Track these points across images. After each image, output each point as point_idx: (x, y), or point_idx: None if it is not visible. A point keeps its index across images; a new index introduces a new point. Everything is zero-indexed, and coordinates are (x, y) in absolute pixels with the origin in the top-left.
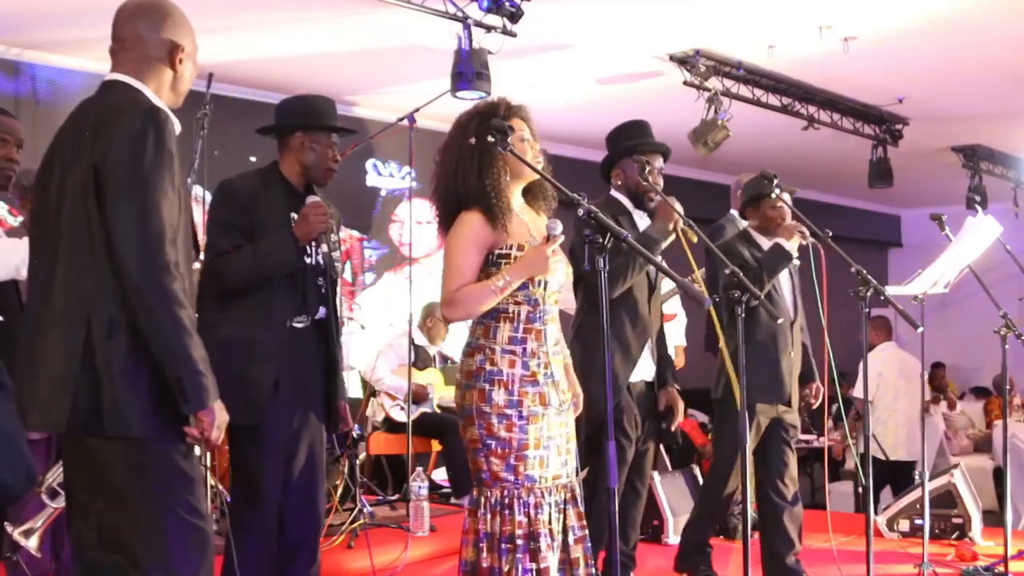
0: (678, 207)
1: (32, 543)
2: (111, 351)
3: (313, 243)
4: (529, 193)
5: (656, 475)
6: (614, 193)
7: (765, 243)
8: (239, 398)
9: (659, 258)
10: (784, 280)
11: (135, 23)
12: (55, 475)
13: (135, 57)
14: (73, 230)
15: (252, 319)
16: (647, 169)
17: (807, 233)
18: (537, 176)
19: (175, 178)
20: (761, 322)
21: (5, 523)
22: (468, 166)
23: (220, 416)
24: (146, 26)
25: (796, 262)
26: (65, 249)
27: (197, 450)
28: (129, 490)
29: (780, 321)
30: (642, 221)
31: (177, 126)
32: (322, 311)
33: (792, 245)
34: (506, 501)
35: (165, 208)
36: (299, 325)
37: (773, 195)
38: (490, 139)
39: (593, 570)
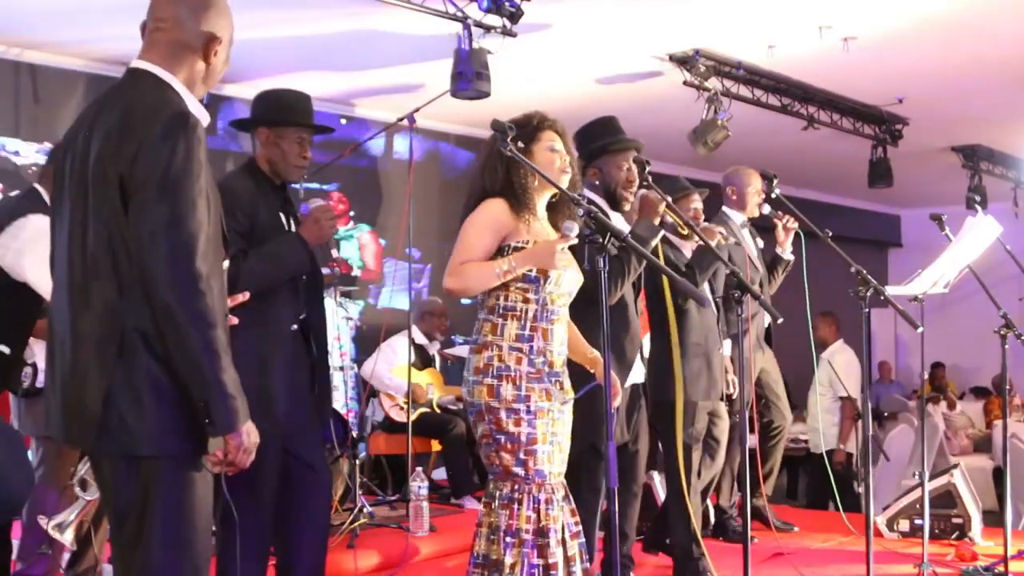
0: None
1: (67, 536)
2: (143, 368)
3: None
4: (552, 209)
5: (656, 475)
6: (587, 193)
7: (683, 244)
8: (256, 405)
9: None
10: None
11: (177, 5)
12: (86, 466)
13: (169, 40)
14: (105, 239)
15: (261, 324)
16: (646, 169)
17: (726, 233)
18: (558, 192)
19: (204, 187)
20: (694, 322)
21: (40, 517)
22: (497, 164)
23: (248, 439)
24: (188, 11)
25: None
26: (100, 257)
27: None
28: (137, 510)
29: (780, 321)
30: (617, 223)
31: (204, 119)
32: (306, 312)
33: (712, 245)
34: (516, 496)
35: (193, 221)
36: (295, 327)
37: (774, 195)
38: (521, 144)
39: (588, 565)
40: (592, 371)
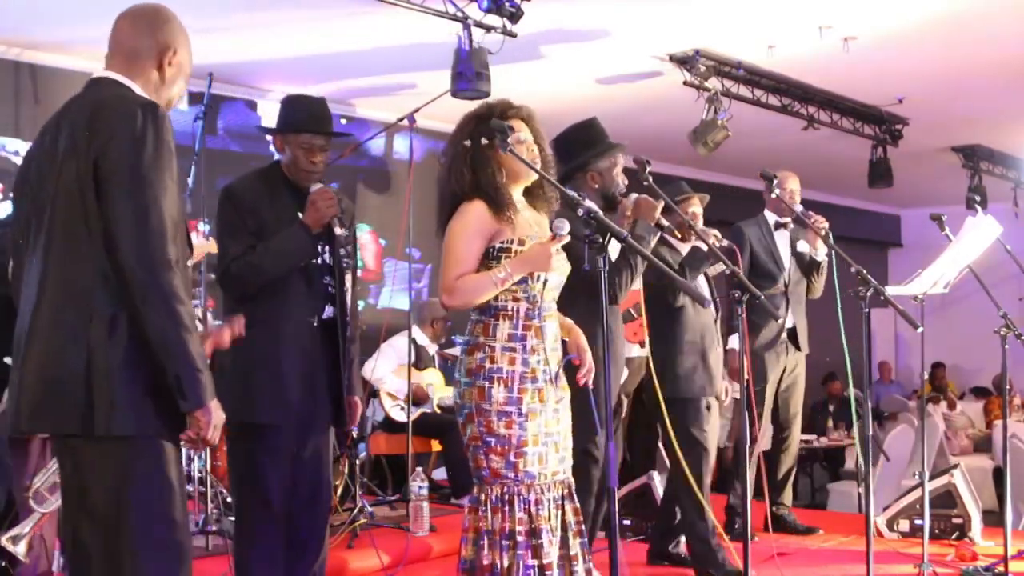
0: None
1: (20, 549)
2: (112, 350)
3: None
4: (530, 194)
5: (656, 475)
6: (590, 204)
7: (680, 246)
8: (269, 398)
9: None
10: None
11: (132, 23)
12: (43, 480)
13: (125, 53)
14: (69, 226)
15: (274, 320)
16: (647, 168)
17: (720, 235)
18: (536, 178)
19: (175, 174)
20: (690, 321)
21: None
22: (462, 166)
23: (216, 415)
24: (142, 27)
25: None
26: (60, 245)
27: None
28: (112, 495)
29: (780, 321)
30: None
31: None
32: (328, 310)
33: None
34: (506, 498)
35: (166, 204)
36: (316, 323)
37: (774, 195)
38: (484, 141)
39: (591, 565)
40: (566, 340)
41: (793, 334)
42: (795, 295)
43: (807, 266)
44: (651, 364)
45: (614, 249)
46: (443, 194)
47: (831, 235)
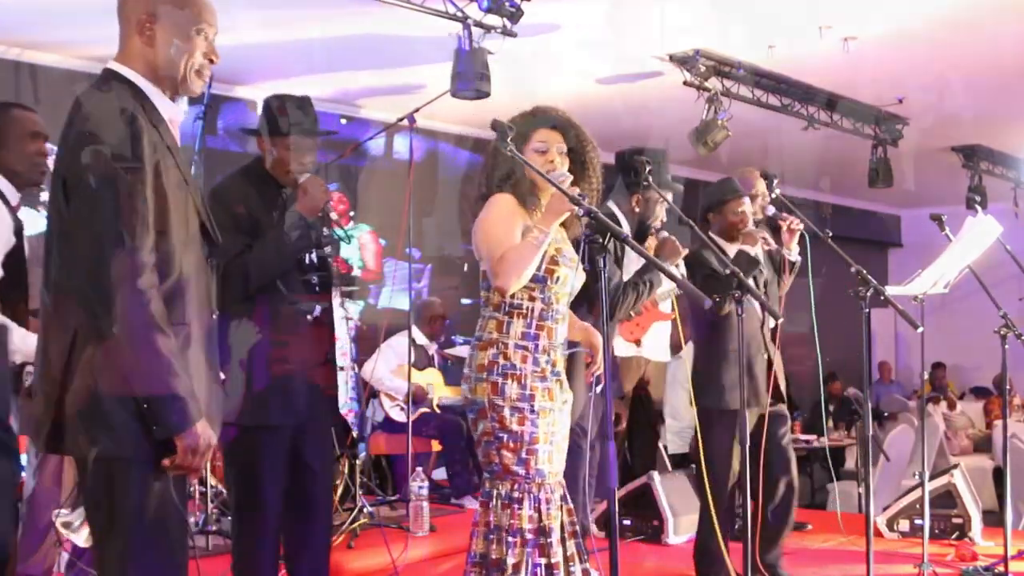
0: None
1: (81, 536)
2: (94, 366)
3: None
4: None
5: (656, 475)
6: (617, 213)
7: (729, 248)
8: (274, 400)
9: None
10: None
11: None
12: None
13: (124, 34)
14: (60, 236)
15: (276, 318)
16: (648, 168)
17: (770, 239)
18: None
19: (146, 182)
20: (734, 329)
21: (54, 511)
22: (488, 165)
23: (199, 441)
24: (121, 2)
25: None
26: (55, 257)
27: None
28: (104, 515)
29: (780, 320)
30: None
31: (168, 110)
32: (318, 309)
33: (756, 251)
34: (515, 495)
35: (133, 220)
36: (311, 319)
37: (774, 195)
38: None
39: (587, 565)
40: (578, 341)
41: (771, 332)
42: (769, 294)
43: (778, 265)
44: (692, 373)
45: (630, 268)
46: (479, 192)
47: (831, 234)
